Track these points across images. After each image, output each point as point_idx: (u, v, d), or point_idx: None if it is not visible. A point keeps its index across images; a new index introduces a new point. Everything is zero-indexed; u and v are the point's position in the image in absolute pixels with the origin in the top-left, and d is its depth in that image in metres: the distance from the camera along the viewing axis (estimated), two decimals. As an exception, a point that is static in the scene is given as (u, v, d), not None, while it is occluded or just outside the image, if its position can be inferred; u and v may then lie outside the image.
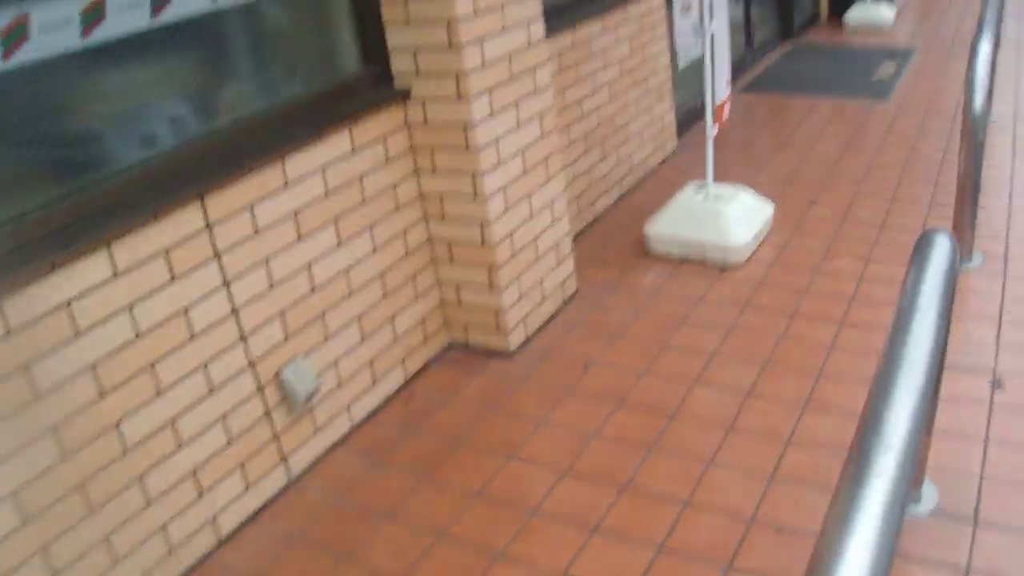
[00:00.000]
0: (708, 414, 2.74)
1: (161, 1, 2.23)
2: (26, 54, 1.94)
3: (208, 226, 2.31)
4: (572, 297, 3.51)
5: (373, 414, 2.94)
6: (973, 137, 3.24)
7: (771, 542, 2.22)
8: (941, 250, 1.75)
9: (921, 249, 1.77)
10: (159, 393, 2.22)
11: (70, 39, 2.02)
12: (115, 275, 2.09)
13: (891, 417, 1.27)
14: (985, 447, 2.45)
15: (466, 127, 2.87)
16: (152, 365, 2.19)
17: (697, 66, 3.96)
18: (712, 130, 3.82)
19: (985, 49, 3.30)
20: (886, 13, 8.04)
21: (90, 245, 2.03)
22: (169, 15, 2.26)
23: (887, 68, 6.57)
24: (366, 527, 2.45)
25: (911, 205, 4.05)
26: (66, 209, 2.04)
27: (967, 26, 7.81)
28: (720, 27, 3.74)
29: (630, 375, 2.99)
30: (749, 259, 3.64)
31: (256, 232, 2.45)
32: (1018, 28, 7.40)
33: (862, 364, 2.90)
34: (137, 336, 2.15)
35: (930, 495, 2.28)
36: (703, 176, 3.87)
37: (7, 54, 1.91)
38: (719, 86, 3.79)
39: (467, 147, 2.90)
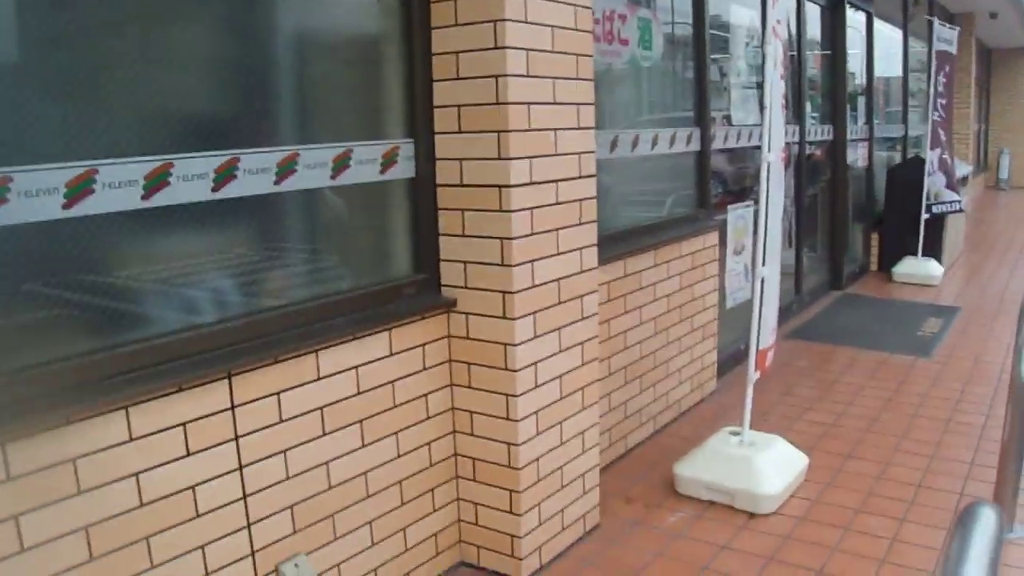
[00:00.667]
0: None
1: (224, 177, 2.33)
2: (87, 208, 2.03)
3: (232, 407, 2.33)
4: (593, 530, 3.42)
5: (372, 626, 2.82)
6: (1020, 404, 3.17)
7: None
8: (986, 525, 1.65)
9: (964, 522, 1.68)
10: (152, 566, 2.15)
11: (131, 200, 2.11)
12: (130, 439, 2.08)
13: None
14: None
15: (507, 346, 2.91)
16: (149, 537, 2.14)
17: (744, 309, 4.00)
18: (753, 376, 3.83)
19: None
20: (934, 270, 8.20)
21: (109, 405, 2.03)
22: (229, 191, 2.35)
23: (932, 325, 6.62)
24: None
25: (951, 466, 3.95)
26: (89, 365, 2.05)
27: (1016, 287, 7.89)
28: (771, 273, 3.78)
29: (644, 620, 2.87)
30: (779, 510, 3.54)
31: (280, 421, 2.47)
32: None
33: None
34: (140, 506, 2.12)
35: None
36: (739, 420, 3.85)
37: (70, 204, 1.99)
38: (765, 332, 3.81)
39: (505, 366, 2.93)
